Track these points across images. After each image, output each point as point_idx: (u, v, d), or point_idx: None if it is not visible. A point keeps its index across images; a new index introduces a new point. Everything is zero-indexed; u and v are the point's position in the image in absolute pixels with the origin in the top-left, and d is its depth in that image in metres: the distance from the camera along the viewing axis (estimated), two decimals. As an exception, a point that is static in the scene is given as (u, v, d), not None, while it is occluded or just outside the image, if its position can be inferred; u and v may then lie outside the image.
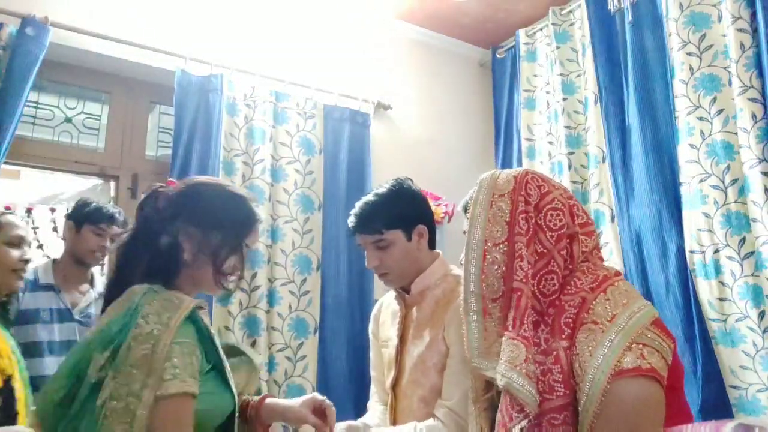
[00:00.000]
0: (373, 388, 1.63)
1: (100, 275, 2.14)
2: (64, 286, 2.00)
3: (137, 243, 1.11)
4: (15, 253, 1.54)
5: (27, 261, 1.58)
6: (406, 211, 1.45)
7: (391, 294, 1.58)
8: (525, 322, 0.96)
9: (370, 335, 1.65)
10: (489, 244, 1.02)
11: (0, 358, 1.38)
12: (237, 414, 1.13)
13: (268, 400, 1.27)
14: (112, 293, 1.07)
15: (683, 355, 1.97)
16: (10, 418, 1.37)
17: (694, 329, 1.99)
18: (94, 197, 2.15)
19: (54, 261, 2.05)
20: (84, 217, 2.01)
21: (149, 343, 0.94)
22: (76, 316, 1.97)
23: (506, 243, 1.01)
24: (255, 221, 1.18)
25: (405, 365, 1.44)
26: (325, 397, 1.25)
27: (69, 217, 2.05)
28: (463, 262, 1.09)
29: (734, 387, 1.86)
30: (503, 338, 0.97)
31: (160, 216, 1.11)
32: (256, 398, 1.29)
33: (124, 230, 2.10)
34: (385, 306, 1.62)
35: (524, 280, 0.98)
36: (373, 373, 1.63)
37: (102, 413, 0.91)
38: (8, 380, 1.38)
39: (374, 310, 1.67)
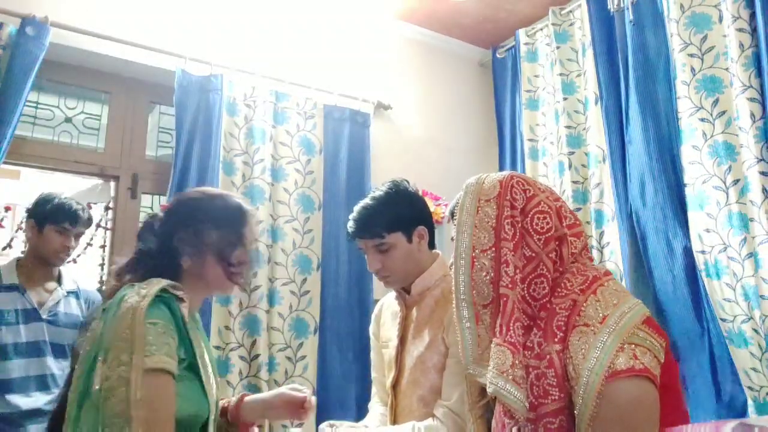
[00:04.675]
0: (374, 389, 1.63)
1: (67, 272, 2.08)
2: (29, 285, 1.93)
3: (135, 262, 1.16)
4: None
5: None
6: (405, 213, 1.45)
7: (392, 295, 1.58)
8: (511, 327, 0.96)
9: (371, 336, 1.65)
10: (477, 250, 1.02)
11: None
12: (215, 418, 1.15)
13: (247, 399, 1.30)
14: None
15: (695, 354, 1.98)
16: None
17: (704, 329, 1.99)
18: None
19: (18, 260, 1.98)
20: (45, 217, 1.92)
21: (130, 314, 0.98)
22: (44, 316, 1.92)
23: (493, 249, 1.01)
24: (245, 212, 1.22)
25: (405, 365, 1.44)
26: (299, 389, 1.29)
27: (30, 215, 1.96)
28: (453, 270, 1.09)
29: (750, 388, 1.86)
30: (491, 344, 0.98)
31: (158, 236, 1.16)
32: (235, 399, 1.31)
33: (88, 228, 2.06)
34: (386, 307, 1.62)
35: (510, 286, 0.98)
36: (374, 374, 1.63)
37: (102, 396, 0.93)
38: None
39: (375, 311, 1.67)
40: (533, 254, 1.00)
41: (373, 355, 1.64)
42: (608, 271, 1.02)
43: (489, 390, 0.94)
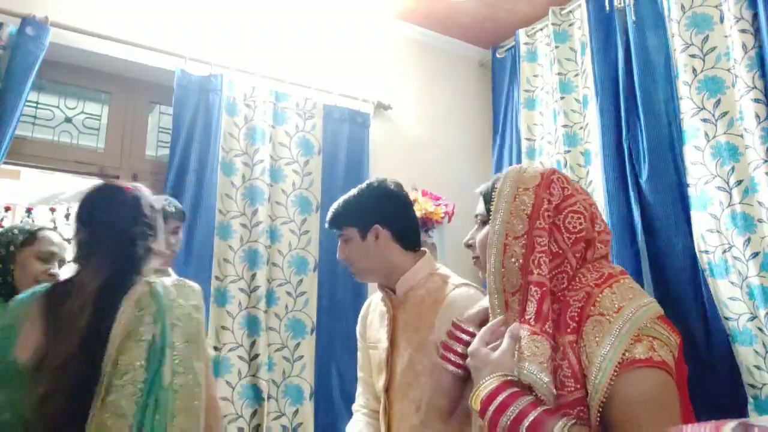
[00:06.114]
0: (359, 389, 1.61)
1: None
2: None
3: (105, 239, 1.28)
4: (42, 266, 1.62)
5: (52, 275, 1.62)
6: (365, 209, 1.47)
7: (379, 295, 1.56)
8: (549, 318, 0.95)
9: (358, 336, 1.64)
10: (510, 237, 1.02)
11: None
12: None
13: None
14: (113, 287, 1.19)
15: (696, 352, 1.97)
16: None
17: (706, 328, 1.99)
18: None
19: None
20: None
21: (192, 322, 1.18)
22: None
23: (525, 236, 1.01)
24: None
25: (396, 368, 1.43)
26: None
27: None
28: (477, 256, 1.12)
29: (751, 386, 1.86)
30: (523, 332, 0.97)
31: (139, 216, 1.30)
32: None
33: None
34: (373, 307, 1.61)
35: (547, 275, 0.98)
36: (360, 374, 1.62)
37: (171, 390, 1.10)
38: None
39: (362, 311, 1.65)
40: (560, 251, 1.00)
41: (359, 355, 1.63)
42: (624, 270, 1.01)
43: (526, 380, 0.92)
